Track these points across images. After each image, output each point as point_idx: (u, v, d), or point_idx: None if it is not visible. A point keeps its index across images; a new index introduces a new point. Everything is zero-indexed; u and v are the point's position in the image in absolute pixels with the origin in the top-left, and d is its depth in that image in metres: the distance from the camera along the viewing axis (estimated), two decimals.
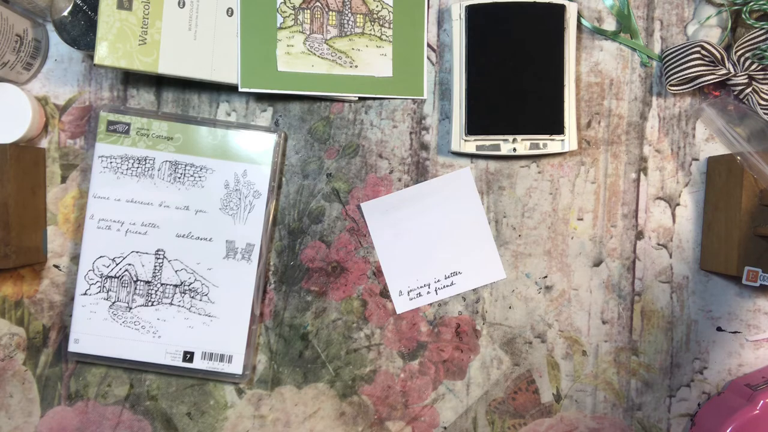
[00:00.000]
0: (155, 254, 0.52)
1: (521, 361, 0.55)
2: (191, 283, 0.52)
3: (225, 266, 0.52)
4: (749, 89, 0.52)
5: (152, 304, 0.52)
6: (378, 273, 0.55)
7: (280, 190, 0.54)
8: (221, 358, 0.52)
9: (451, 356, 0.55)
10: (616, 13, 0.55)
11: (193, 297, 0.52)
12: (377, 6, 0.53)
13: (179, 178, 0.52)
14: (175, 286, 0.52)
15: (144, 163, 0.52)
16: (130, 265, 0.52)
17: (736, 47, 0.52)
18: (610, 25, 0.55)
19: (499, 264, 0.55)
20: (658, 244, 0.55)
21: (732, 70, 0.52)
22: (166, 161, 0.52)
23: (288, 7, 0.52)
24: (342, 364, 0.54)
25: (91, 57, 0.52)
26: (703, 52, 0.51)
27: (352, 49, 0.53)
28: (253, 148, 0.52)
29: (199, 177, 0.52)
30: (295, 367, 0.55)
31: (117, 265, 0.52)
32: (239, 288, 0.52)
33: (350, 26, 0.53)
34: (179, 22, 0.49)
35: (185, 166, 0.52)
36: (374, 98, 0.54)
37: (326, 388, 0.54)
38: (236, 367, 0.52)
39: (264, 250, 0.53)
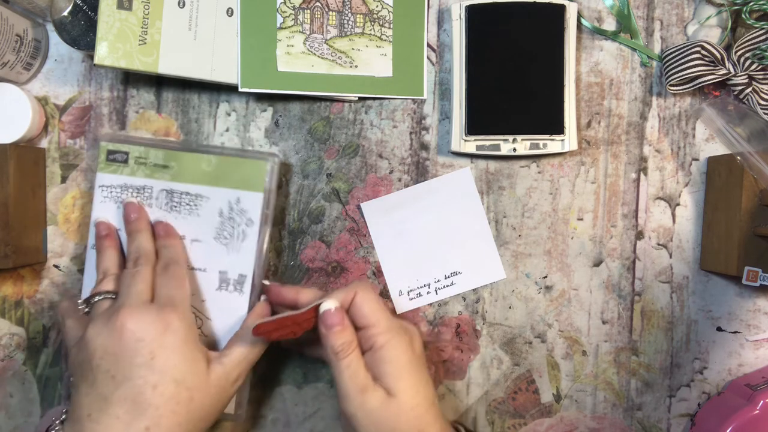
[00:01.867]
0: None
1: (521, 361, 0.55)
2: None
3: (217, 298, 0.50)
4: (749, 89, 0.52)
5: None
6: (378, 273, 0.55)
7: (285, 217, 0.54)
8: None
9: (451, 356, 0.55)
10: (616, 13, 0.55)
11: None
12: (377, 6, 0.53)
13: (175, 206, 0.51)
14: None
15: (143, 192, 0.51)
16: None
17: (736, 47, 0.52)
18: (610, 25, 0.55)
19: (499, 264, 0.55)
20: (658, 244, 0.55)
21: (732, 70, 0.52)
22: (163, 190, 0.51)
23: (288, 7, 0.52)
24: None
25: (91, 57, 0.52)
26: (703, 52, 0.51)
27: (352, 49, 0.53)
28: (247, 175, 0.51)
29: (195, 205, 0.51)
30: (295, 367, 0.55)
31: None
32: (231, 321, 0.50)
33: (350, 26, 0.53)
34: (179, 22, 0.49)
35: (180, 194, 0.51)
36: (374, 98, 0.54)
37: (326, 388, 0.54)
38: (229, 407, 0.50)
39: (257, 282, 0.51)
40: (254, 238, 0.51)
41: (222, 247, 0.51)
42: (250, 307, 0.50)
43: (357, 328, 0.45)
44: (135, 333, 0.41)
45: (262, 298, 0.51)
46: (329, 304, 0.44)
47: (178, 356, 0.42)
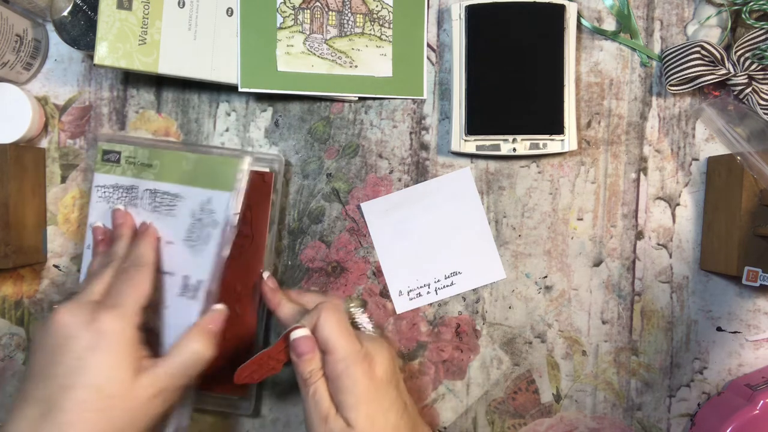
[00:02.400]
0: None
1: (521, 361, 0.55)
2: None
3: (178, 304, 0.48)
4: (749, 89, 0.52)
5: None
6: (378, 273, 0.55)
7: (285, 217, 0.54)
8: None
9: (451, 356, 0.55)
10: (616, 13, 0.55)
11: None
12: (377, 6, 0.53)
13: (157, 207, 0.49)
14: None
15: (131, 191, 0.50)
16: None
17: (736, 47, 0.52)
18: (610, 25, 0.55)
19: (499, 264, 0.55)
20: (658, 244, 0.55)
21: (732, 70, 0.52)
22: (147, 189, 0.50)
23: (288, 7, 0.52)
24: None
25: (91, 57, 0.52)
26: (703, 52, 0.51)
27: (352, 49, 0.53)
28: (220, 174, 0.49)
29: (173, 206, 0.49)
30: None
31: None
32: (185, 329, 0.45)
33: (350, 26, 0.53)
34: (179, 22, 0.49)
35: (162, 194, 0.49)
36: (374, 98, 0.54)
37: None
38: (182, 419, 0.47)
39: (213, 289, 0.47)
40: (216, 241, 0.47)
41: (189, 249, 0.48)
42: (201, 316, 0.47)
43: (322, 352, 0.44)
44: (64, 330, 0.39)
45: (219, 306, 0.46)
46: (300, 332, 0.43)
47: (104, 359, 0.39)
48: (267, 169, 0.52)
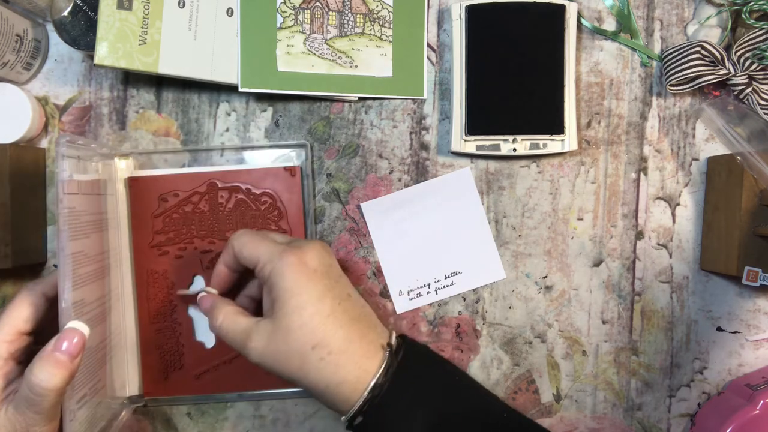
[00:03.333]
0: None
1: (521, 361, 0.55)
2: None
3: None
4: (749, 89, 0.52)
5: None
6: (378, 273, 0.55)
7: None
8: None
9: (451, 356, 0.55)
10: (616, 13, 0.55)
11: None
12: (377, 6, 0.53)
13: None
14: None
15: None
16: None
17: (736, 47, 0.52)
18: (610, 25, 0.55)
19: (499, 264, 0.55)
20: (658, 244, 0.55)
21: (732, 70, 0.52)
22: None
23: (288, 7, 0.52)
24: None
25: (91, 57, 0.52)
26: (703, 52, 0.51)
27: (352, 49, 0.53)
28: None
29: None
30: None
31: None
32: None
33: (350, 26, 0.53)
34: (179, 22, 0.49)
35: None
36: (374, 98, 0.54)
37: None
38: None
39: (68, 297, 0.39)
40: (63, 239, 0.39)
41: None
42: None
43: (255, 275, 0.43)
44: None
45: (72, 324, 0.38)
46: (202, 291, 0.46)
47: None
48: (294, 161, 0.53)
